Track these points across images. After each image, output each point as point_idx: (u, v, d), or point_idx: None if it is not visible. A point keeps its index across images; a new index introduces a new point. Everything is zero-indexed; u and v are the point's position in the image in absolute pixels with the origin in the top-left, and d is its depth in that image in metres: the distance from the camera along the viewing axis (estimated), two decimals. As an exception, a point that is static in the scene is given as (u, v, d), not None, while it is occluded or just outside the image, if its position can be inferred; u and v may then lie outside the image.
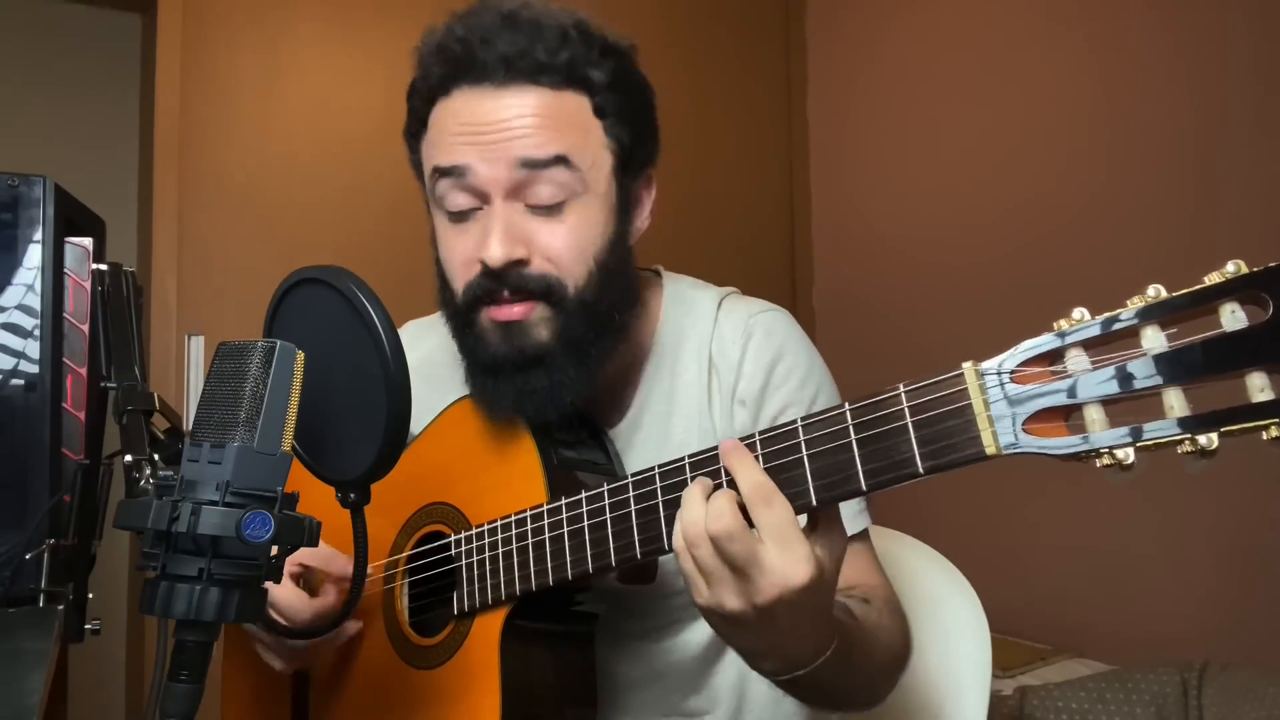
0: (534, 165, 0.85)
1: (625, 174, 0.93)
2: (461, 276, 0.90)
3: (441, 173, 0.88)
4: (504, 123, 0.85)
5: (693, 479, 0.74)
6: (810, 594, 0.68)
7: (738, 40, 2.75)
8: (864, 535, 0.98)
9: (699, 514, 0.69)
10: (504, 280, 0.87)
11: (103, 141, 2.65)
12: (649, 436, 0.99)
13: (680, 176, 2.49)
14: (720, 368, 0.99)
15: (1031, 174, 2.21)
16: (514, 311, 0.88)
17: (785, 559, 0.67)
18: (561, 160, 0.86)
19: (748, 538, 0.67)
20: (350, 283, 0.69)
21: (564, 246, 0.88)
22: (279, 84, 2.15)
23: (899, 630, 0.90)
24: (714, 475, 0.73)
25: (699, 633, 0.99)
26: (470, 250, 0.88)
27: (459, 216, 0.90)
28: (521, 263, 0.87)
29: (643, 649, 0.98)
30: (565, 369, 0.89)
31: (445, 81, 0.89)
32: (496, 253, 0.85)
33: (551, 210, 0.87)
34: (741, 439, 0.72)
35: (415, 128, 0.95)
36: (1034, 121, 2.21)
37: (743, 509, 0.69)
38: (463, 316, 0.91)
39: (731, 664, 1.00)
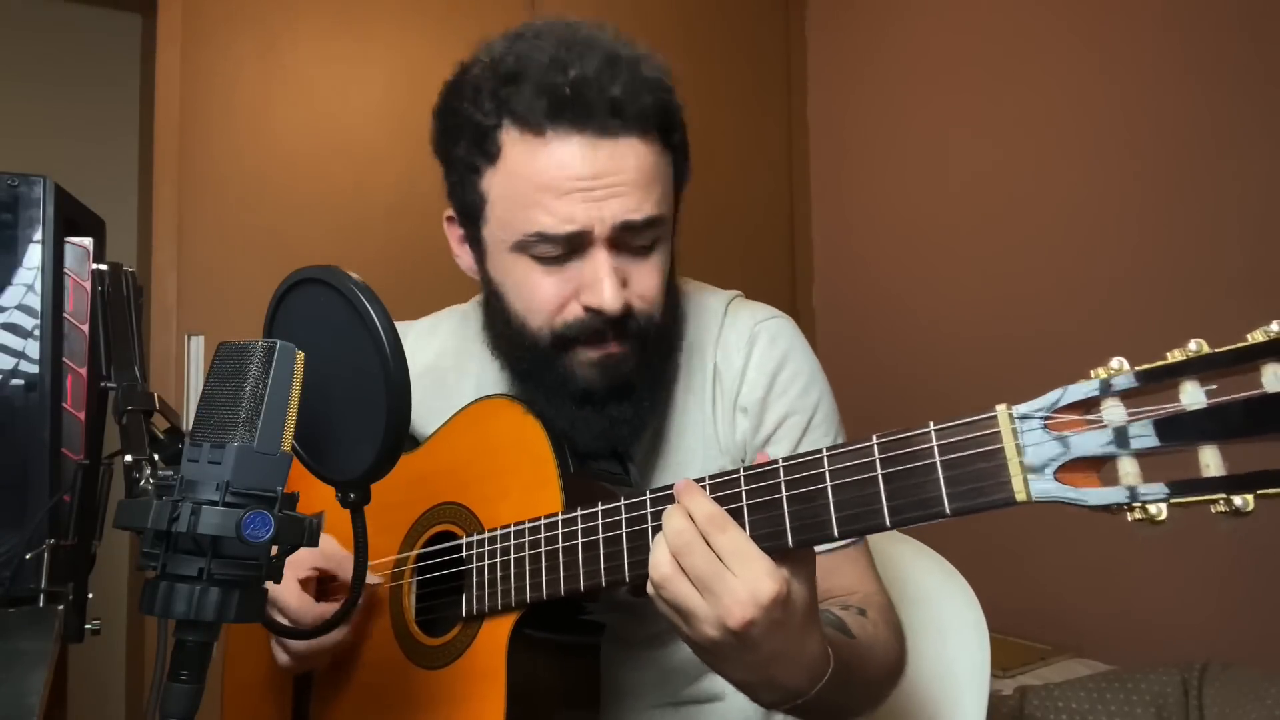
0: (633, 227, 0.86)
1: (678, 204, 0.94)
2: (552, 315, 0.89)
3: (547, 238, 0.86)
4: (609, 176, 0.84)
5: (715, 500, 0.73)
6: (782, 609, 0.68)
7: (738, 41, 2.75)
8: (861, 541, 0.98)
9: (682, 524, 0.70)
10: (613, 324, 0.88)
11: (102, 141, 2.64)
12: (664, 444, 0.99)
13: (680, 176, 2.48)
14: (724, 374, 0.99)
15: (1031, 173, 2.21)
16: (609, 349, 0.89)
17: (747, 575, 0.67)
18: (657, 221, 0.88)
19: (709, 552, 0.68)
20: (350, 283, 0.69)
21: (656, 286, 0.90)
22: (279, 84, 2.14)
23: (895, 640, 0.90)
24: (735, 498, 0.72)
25: None
26: (566, 292, 0.88)
27: (549, 258, 0.88)
28: (628, 306, 0.88)
29: (648, 655, 0.98)
30: (647, 397, 0.92)
31: (540, 119, 0.84)
32: (614, 303, 0.86)
33: (643, 253, 0.89)
34: (766, 465, 0.71)
35: (478, 160, 0.89)
36: (1033, 121, 2.21)
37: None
38: (545, 353, 0.90)
39: None
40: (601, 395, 0.90)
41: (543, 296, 0.89)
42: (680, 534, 0.69)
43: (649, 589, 0.72)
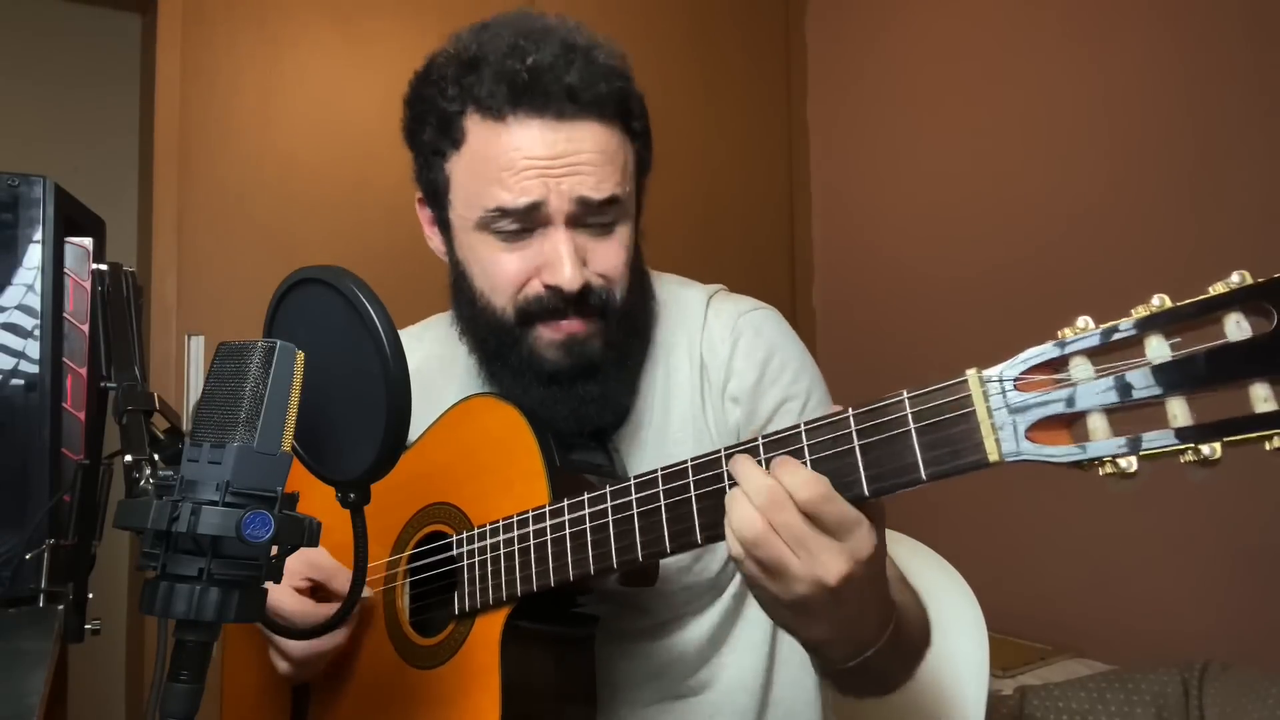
0: (590, 204, 0.89)
1: (642, 186, 0.97)
2: (513, 293, 0.92)
3: (506, 212, 0.89)
4: (568, 158, 0.87)
5: (695, 481, 0.74)
6: (878, 563, 0.69)
7: (738, 41, 2.75)
8: None
9: (766, 482, 0.67)
10: (572, 301, 0.89)
11: (103, 141, 2.64)
12: (649, 436, 0.99)
13: (681, 177, 2.49)
14: (710, 366, 1.00)
15: (1031, 174, 2.21)
16: (574, 328, 0.91)
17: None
18: (614, 200, 0.90)
19: (798, 510, 0.66)
20: (350, 283, 0.69)
21: (617, 265, 0.92)
22: (279, 84, 2.14)
23: (917, 602, 0.90)
24: (717, 479, 0.73)
25: (699, 628, 0.99)
26: (527, 268, 0.90)
27: (510, 236, 0.91)
28: (586, 283, 0.90)
29: (643, 647, 0.99)
30: (616, 375, 0.93)
31: (501, 104, 0.88)
32: (574, 279, 0.88)
33: (603, 232, 0.91)
34: (745, 442, 0.72)
35: (443, 145, 0.93)
36: (1033, 122, 2.21)
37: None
38: (510, 331, 0.92)
39: (732, 650, 1.00)
40: (567, 374, 0.91)
41: (505, 274, 0.91)
42: (773, 490, 0.67)
43: (734, 550, 0.69)
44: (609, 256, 0.92)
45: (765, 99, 2.79)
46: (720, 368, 0.99)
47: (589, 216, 0.90)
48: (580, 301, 0.90)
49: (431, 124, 0.93)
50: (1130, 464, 0.55)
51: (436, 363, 1.10)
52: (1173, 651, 1.70)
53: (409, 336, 1.14)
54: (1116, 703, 1.61)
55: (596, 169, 0.88)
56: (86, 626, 0.86)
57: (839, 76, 2.76)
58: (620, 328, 0.94)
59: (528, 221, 0.89)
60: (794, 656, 1.01)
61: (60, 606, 0.80)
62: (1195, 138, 1.90)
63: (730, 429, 0.99)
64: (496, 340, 0.94)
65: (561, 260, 0.88)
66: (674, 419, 0.99)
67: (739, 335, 1.00)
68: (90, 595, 0.87)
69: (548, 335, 0.91)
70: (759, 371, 0.98)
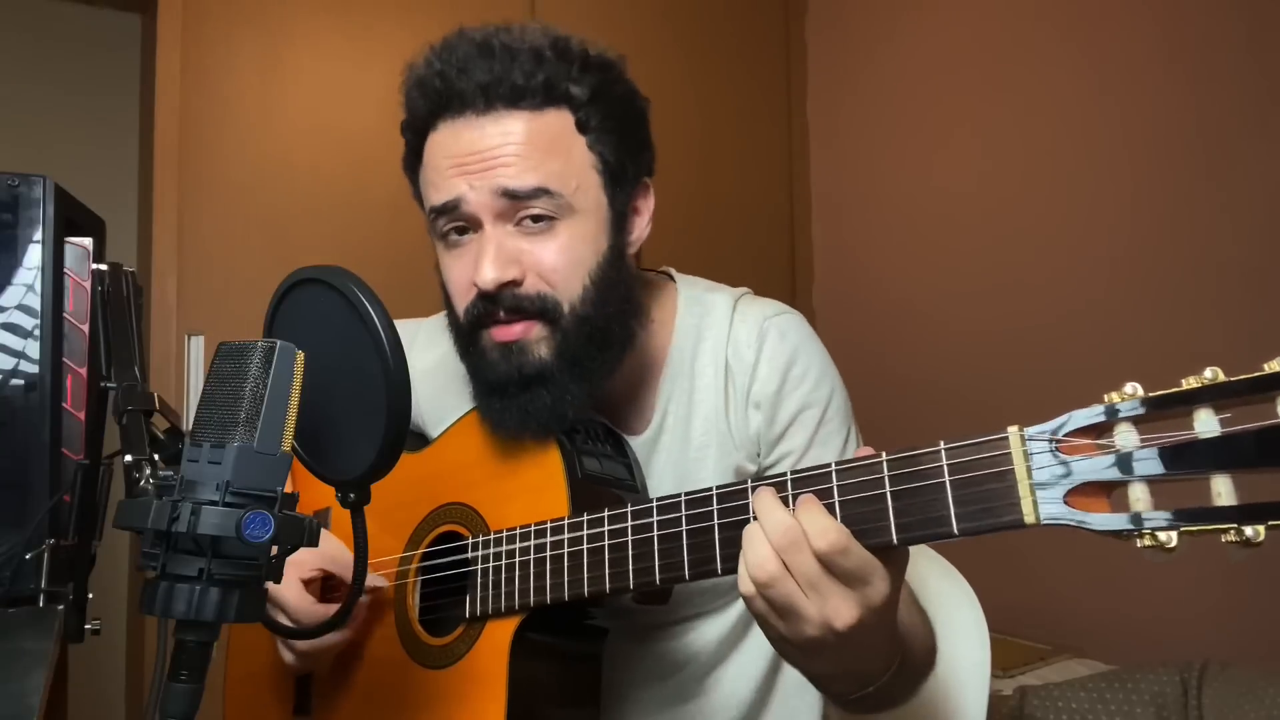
0: (515, 196, 0.87)
1: (616, 187, 0.92)
2: (461, 300, 0.92)
3: (437, 212, 0.90)
4: (488, 151, 0.87)
5: (719, 510, 0.73)
6: (889, 610, 0.68)
7: (738, 42, 2.75)
8: None
9: (787, 521, 0.67)
10: (499, 301, 0.88)
11: (103, 141, 2.64)
12: (672, 440, 0.99)
13: (681, 178, 2.49)
14: (735, 370, 0.99)
15: (1031, 176, 2.21)
16: (512, 331, 0.89)
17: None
18: (542, 191, 0.87)
19: (860, 547, 0.65)
20: (350, 283, 0.69)
21: (556, 263, 0.88)
22: (279, 84, 2.14)
23: (925, 622, 0.90)
24: (741, 510, 0.72)
25: (713, 629, 0.99)
26: (467, 274, 0.90)
27: (455, 243, 0.92)
28: (515, 283, 0.88)
29: (656, 646, 0.99)
30: (566, 385, 0.89)
31: (431, 116, 0.91)
32: (488, 276, 0.87)
33: (541, 230, 0.88)
34: (773, 477, 0.71)
35: (412, 161, 0.96)
36: (1031, 123, 2.21)
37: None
38: (466, 338, 0.92)
39: (743, 653, 1.01)
40: (510, 384, 0.89)
41: (452, 281, 0.93)
42: (791, 529, 0.66)
43: (745, 588, 0.69)
44: (545, 256, 0.88)
45: (765, 100, 2.79)
46: (745, 372, 0.98)
47: (520, 212, 0.88)
48: (514, 303, 0.88)
49: (406, 153, 0.97)
50: (1170, 539, 0.55)
51: None
52: (1173, 651, 1.70)
53: (435, 326, 1.14)
54: (1116, 702, 1.61)
55: (520, 159, 0.87)
56: (86, 626, 0.85)
57: (839, 77, 2.76)
58: (577, 336, 0.89)
59: (461, 222, 0.90)
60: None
61: (60, 606, 0.80)
62: (1201, 142, 1.90)
63: (751, 435, 0.98)
64: (459, 347, 0.95)
65: (481, 257, 0.88)
66: (697, 422, 0.99)
67: (764, 339, 0.98)
68: (90, 595, 0.86)
69: (490, 341, 0.90)
70: (781, 377, 0.97)
